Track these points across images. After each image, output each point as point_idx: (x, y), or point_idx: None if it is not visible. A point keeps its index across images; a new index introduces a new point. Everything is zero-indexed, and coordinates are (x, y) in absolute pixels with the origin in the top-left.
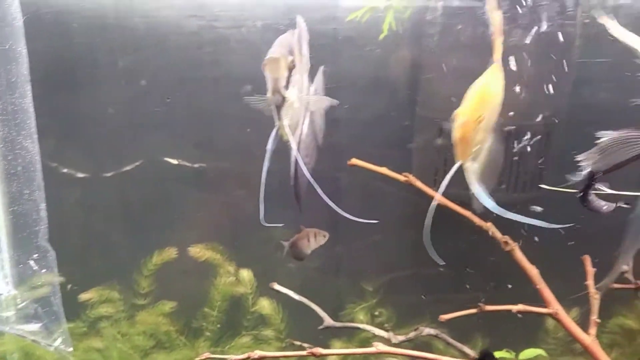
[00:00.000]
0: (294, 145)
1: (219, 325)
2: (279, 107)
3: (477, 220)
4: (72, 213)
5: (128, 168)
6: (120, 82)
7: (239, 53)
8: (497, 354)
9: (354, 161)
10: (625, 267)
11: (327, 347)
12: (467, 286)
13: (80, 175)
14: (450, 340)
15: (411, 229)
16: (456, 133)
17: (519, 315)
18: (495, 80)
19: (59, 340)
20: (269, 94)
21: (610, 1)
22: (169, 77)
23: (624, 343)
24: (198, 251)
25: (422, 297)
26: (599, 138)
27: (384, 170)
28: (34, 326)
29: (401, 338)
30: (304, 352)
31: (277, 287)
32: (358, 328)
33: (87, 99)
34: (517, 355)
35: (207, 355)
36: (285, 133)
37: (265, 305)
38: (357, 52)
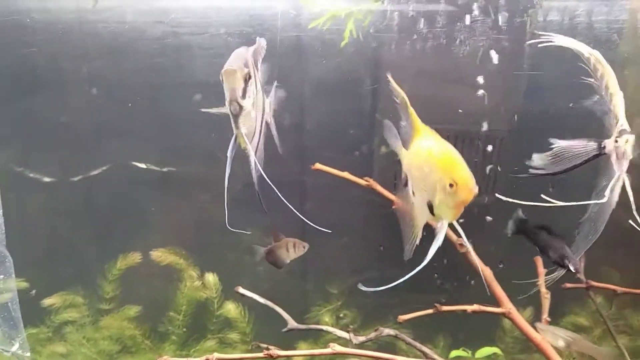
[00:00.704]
0: (251, 152)
1: (184, 329)
2: (236, 116)
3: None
4: (39, 218)
5: (95, 172)
6: (85, 88)
7: (203, 59)
8: (453, 353)
9: (318, 166)
10: (576, 267)
11: (293, 349)
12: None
13: (47, 179)
14: (410, 340)
15: (376, 230)
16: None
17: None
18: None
19: (17, 345)
20: (226, 104)
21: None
22: (134, 82)
23: None
24: (160, 255)
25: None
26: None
27: (346, 174)
28: None
29: (362, 339)
30: (261, 354)
31: (242, 291)
32: (321, 330)
33: (53, 104)
34: (474, 354)
35: (166, 358)
36: (243, 141)
37: (230, 309)
38: (319, 59)
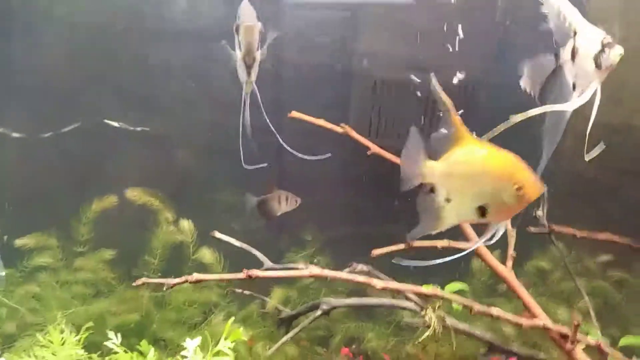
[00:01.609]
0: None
1: (159, 274)
2: (249, 67)
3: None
4: (9, 170)
5: (66, 129)
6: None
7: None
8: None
9: (294, 114)
10: (539, 213)
11: (268, 292)
12: None
13: (15, 135)
14: (382, 276)
15: (351, 186)
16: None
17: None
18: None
19: None
20: (242, 55)
21: None
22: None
23: (538, 282)
24: (135, 194)
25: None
26: None
27: (321, 122)
28: None
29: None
30: (241, 275)
31: (218, 235)
32: (296, 268)
33: (23, 56)
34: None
35: (144, 280)
36: (250, 88)
37: (206, 254)
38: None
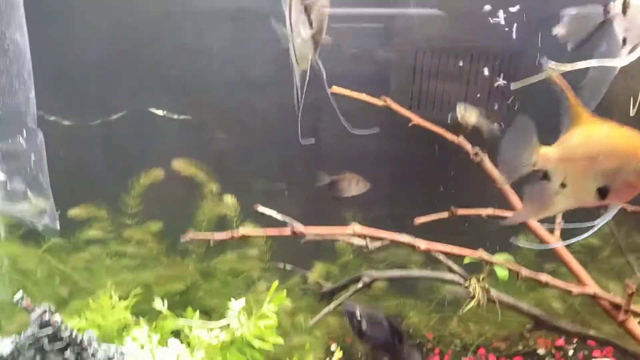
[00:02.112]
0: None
1: (204, 247)
2: (317, 44)
3: (449, 135)
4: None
5: (114, 117)
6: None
7: None
8: (467, 259)
9: (335, 89)
10: None
11: (309, 267)
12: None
13: (66, 123)
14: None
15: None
16: None
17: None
18: None
19: (47, 218)
20: (312, 34)
21: None
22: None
23: (588, 260)
24: (181, 165)
25: None
26: None
27: (362, 96)
28: (23, 205)
29: (377, 244)
30: (287, 230)
31: (260, 208)
32: (337, 241)
33: (70, 48)
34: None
35: (191, 235)
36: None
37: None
38: None
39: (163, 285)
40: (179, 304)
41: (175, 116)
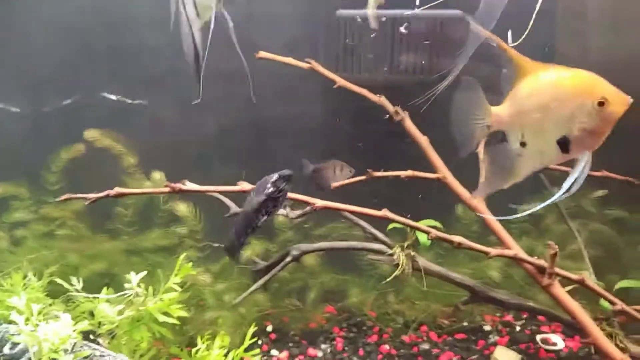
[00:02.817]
0: None
1: (135, 227)
2: None
3: (371, 96)
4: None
5: (66, 102)
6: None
7: None
8: (391, 226)
9: (262, 54)
10: None
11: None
12: None
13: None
14: (345, 214)
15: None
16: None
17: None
18: None
19: None
20: None
21: None
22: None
23: (530, 229)
24: (95, 136)
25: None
26: None
27: (289, 60)
28: None
29: (298, 212)
30: (165, 189)
31: (188, 184)
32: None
33: (16, 29)
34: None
35: (67, 195)
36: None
37: (180, 206)
38: None
39: (86, 266)
40: (102, 284)
41: (129, 101)
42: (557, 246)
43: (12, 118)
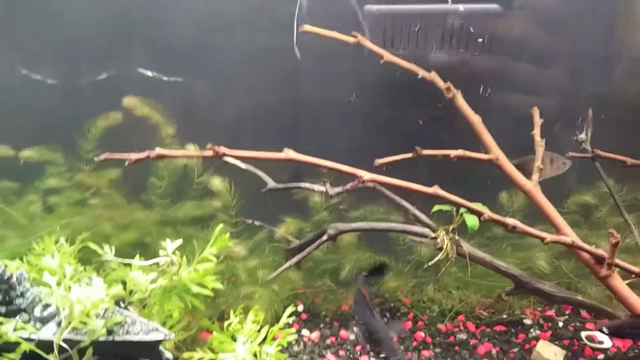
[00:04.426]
0: None
1: (168, 198)
2: None
3: (421, 71)
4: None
5: (101, 77)
6: None
7: None
8: (435, 207)
9: (306, 27)
10: (582, 136)
11: (279, 223)
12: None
13: (51, 82)
14: (388, 193)
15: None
16: None
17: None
18: None
19: None
20: None
21: None
22: None
23: (581, 221)
24: (133, 103)
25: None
26: None
27: (333, 34)
28: None
29: (338, 189)
30: (208, 152)
31: (225, 157)
32: (299, 187)
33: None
34: (457, 210)
35: (107, 155)
36: None
37: (215, 181)
38: None
39: (118, 235)
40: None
41: (165, 78)
42: (619, 235)
43: (48, 90)
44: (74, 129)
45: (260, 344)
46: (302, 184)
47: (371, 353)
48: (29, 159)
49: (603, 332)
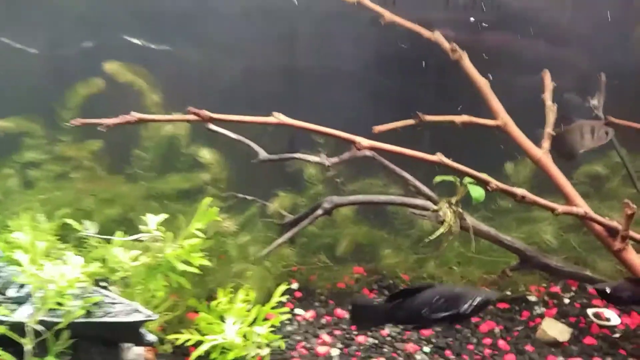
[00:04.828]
0: None
1: (154, 172)
2: None
3: (424, 31)
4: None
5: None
6: None
7: None
8: (437, 178)
9: None
10: (594, 102)
11: (273, 197)
12: None
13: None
14: (387, 163)
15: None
16: None
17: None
18: None
19: None
20: None
21: None
22: None
23: (591, 192)
24: (115, 68)
25: None
26: None
27: None
28: None
29: (334, 160)
30: (191, 116)
31: (212, 127)
32: (294, 158)
33: None
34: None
35: (80, 120)
36: None
37: (205, 152)
38: None
39: (101, 210)
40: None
41: (154, 46)
42: (635, 206)
43: (29, 59)
44: (53, 99)
45: (250, 324)
46: (297, 155)
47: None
48: (6, 129)
49: (602, 293)
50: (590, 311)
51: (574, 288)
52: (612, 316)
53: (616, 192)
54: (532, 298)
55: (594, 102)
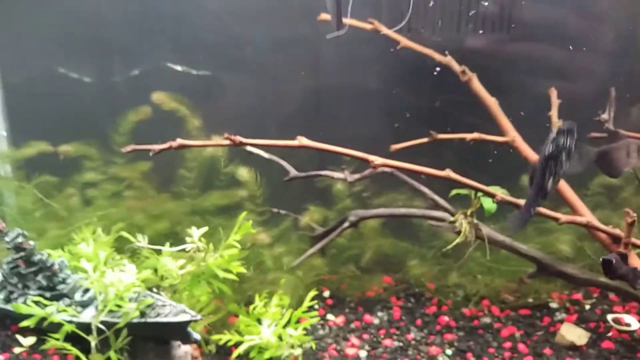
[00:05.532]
0: None
1: (196, 189)
2: None
3: (437, 56)
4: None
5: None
6: None
7: None
8: (453, 192)
9: (323, 16)
10: (604, 116)
11: (304, 211)
12: None
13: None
14: (406, 178)
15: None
16: None
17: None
18: None
19: None
20: None
21: None
22: None
23: (605, 203)
24: (161, 98)
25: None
26: None
27: (350, 21)
28: None
29: (356, 176)
30: (225, 141)
31: (249, 147)
32: (320, 175)
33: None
34: (476, 194)
35: (132, 146)
36: None
37: (242, 171)
38: None
39: (151, 225)
40: (164, 241)
41: (194, 72)
42: (635, 214)
43: (84, 87)
44: (108, 125)
45: (284, 326)
46: (322, 172)
47: None
48: (68, 154)
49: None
50: (610, 317)
51: (595, 295)
52: (632, 321)
53: (629, 201)
54: (554, 305)
55: (604, 116)
